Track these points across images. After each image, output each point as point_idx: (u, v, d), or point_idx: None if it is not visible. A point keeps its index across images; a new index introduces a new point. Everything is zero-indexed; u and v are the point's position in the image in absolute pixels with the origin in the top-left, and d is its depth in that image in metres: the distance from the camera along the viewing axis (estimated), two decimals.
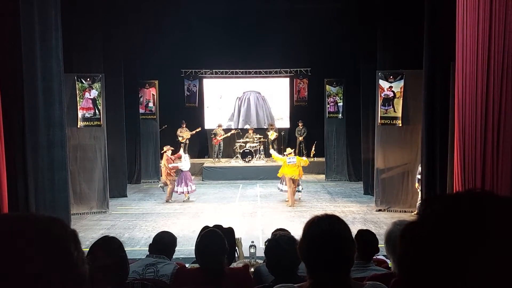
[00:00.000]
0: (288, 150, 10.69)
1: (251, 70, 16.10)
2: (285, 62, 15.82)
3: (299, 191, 10.66)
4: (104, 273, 2.31)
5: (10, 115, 5.62)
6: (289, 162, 10.13)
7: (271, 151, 12.50)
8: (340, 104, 13.47)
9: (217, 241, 2.75)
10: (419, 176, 8.38)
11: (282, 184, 10.73)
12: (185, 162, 10.96)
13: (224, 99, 16.55)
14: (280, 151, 13.90)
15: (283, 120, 16.55)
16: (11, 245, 0.78)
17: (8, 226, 0.82)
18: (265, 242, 2.68)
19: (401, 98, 9.53)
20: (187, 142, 15.02)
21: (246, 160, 14.49)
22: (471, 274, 0.66)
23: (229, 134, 15.19)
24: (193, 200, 10.98)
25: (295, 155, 10.74)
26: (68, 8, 7.44)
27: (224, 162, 14.96)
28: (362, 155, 11.62)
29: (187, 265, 3.64)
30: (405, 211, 9.39)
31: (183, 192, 10.81)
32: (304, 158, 11.09)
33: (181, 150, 11.26)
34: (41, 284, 0.77)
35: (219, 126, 15.12)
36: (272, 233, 3.02)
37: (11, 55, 5.79)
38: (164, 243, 3.46)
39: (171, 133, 14.88)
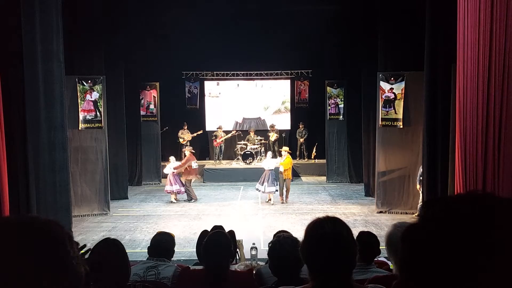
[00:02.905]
0: (285, 148, 11.28)
1: (252, 72, 16.11)
2: (286, 64, 15.85)
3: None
4: (105, 275, 2.31)
5: (11, 117, 5.63)
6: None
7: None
8: (341, 105, 13.47)
9: (224, 242, 2.75)
10: (420, 178, 8.36)
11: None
12: (168, 165, 11.03)
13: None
14: (281, 153, 13.89)
15: (282, 120, 16.50)
16: (6, 246, 0.78)
17: (3, 228, 0.82)
18: (269, 243, 2.68)
19: (402, 100, 9.52)
20: (188, 143, 15.02)
21: (247, 161, 14.48)
22: (472, 275, 0.66)
23: (229, 135, 15.19)
24: (174, 202, 10.94)
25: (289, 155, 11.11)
26: (69, 10, 7.46)
27: (225, 164, 14.95)
28: (363, 157, 11.61)
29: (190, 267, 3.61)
30: (406, 213, 9.37)
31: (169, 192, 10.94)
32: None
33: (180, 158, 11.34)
34: (34, 284, 0.77)
35: (219, 128, 15.11)
36: (275, 234, 3.01)
37: (13, 57, 5.81)
38: (162, 246, 3.42)
39: (172, 135, 14.90)
